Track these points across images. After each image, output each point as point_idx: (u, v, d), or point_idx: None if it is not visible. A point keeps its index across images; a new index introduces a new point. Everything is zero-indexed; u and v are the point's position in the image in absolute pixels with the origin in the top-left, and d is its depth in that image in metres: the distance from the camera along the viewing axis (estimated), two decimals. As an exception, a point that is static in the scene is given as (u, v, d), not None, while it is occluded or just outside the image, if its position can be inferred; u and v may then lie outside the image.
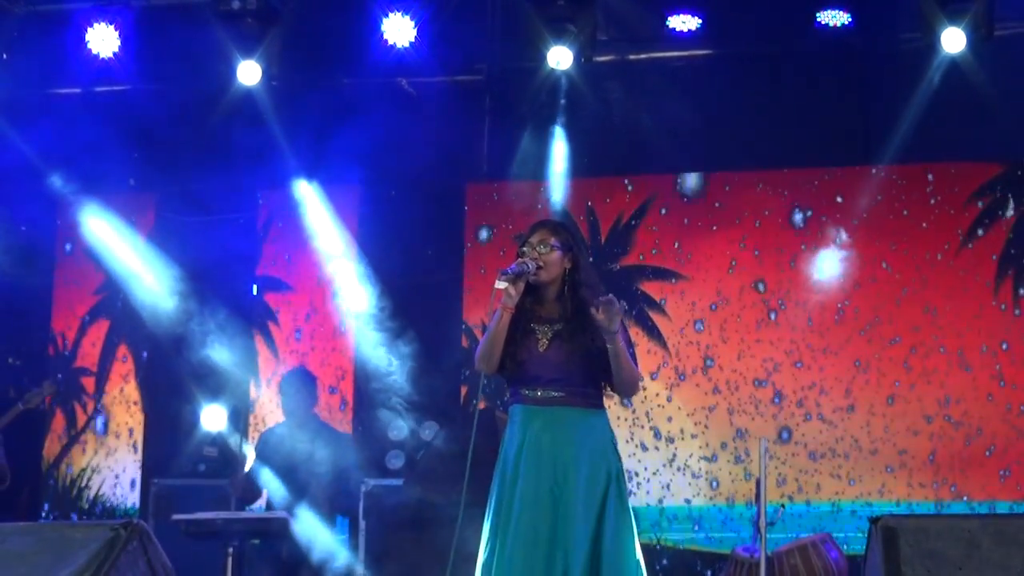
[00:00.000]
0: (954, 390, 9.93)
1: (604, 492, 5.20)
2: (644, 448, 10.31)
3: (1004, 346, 9.90)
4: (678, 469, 10.28)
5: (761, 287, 10.32)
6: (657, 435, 10.33)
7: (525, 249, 5.35)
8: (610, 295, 5.13)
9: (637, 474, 10.21)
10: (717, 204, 10.48)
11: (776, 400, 10.18)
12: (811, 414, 10.12)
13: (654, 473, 10.29)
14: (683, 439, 10.29)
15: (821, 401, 10.12)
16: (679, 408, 10.32)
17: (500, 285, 5.20)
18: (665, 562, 10.17)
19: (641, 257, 10.53)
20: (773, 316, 10.28)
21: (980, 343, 9.94)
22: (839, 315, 10.17)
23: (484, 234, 10.81)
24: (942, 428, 9.92)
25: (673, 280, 10.46)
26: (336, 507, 8.49)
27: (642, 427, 10.33)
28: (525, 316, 5.30)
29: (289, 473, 8.32)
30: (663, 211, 10.55)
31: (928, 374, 9.99)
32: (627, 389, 5.38)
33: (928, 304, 10.05)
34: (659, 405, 10.28)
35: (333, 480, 8.34)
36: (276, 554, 8.10)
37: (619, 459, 5.32)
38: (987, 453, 9.83)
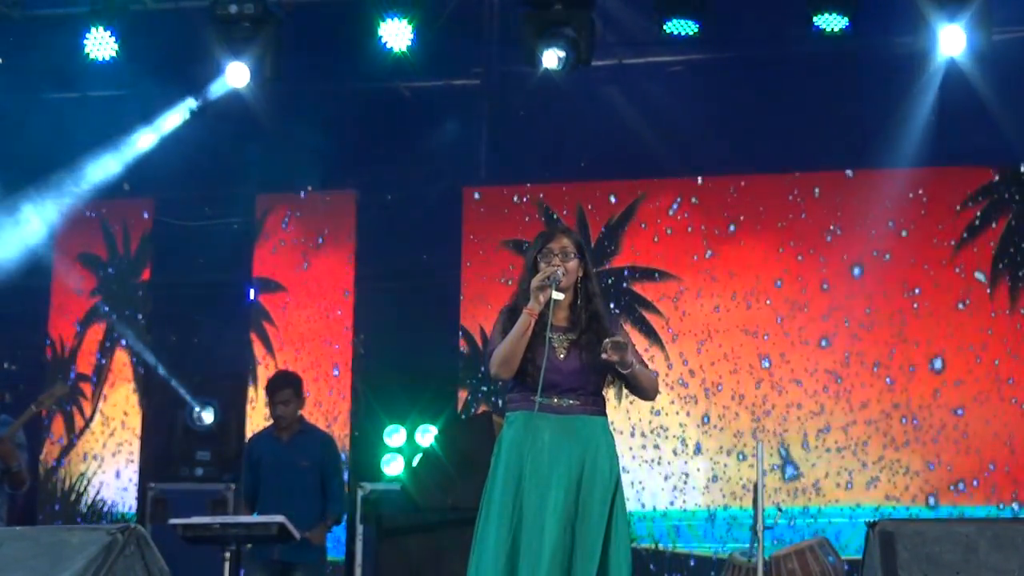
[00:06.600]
0: (947, 392, 9.93)
1: (612, 497, 5.25)
2: (640, 450, 10.30)
3: (1000, 348, 9.90)
4: (673, 471, 10.27)
5: (756, 289, 10.32)
6: (651, 436, 10.33)
7: (541, 254, 5.35)
8: (616, 338, 5.18)
9: (636, 476, 10.20)
10: (711, 207, 10.48)
11: (770, 402, 10.17)
12: (805, 415, 10.11)
13: (648, 476, 10.29)
14: (678, 441, 10.29)
15: (816, 402, 10.12)
16: (673, 409, 10.31)
17: (558, 296, 5.23)
18: (663, 566, 10.17)
19: (635, 256, 10.55)
20: (767, 318, 10.28)
21: (976, 345, 9.93)
22: (832, 316, 10.17)
23: (481, 238, 10.80)
24: (938, 430, 9.92)
25: (664, 280, 10.46)
26: (325, 508, 8.46)
27: (636, 429, 10.32)
28: (538, 323, 5.31)
29: (276, 477, 8.30)
30: (656, 212, 10.55)
31: (921, 376, 9.99)
32: (651, 396, 5.51)
33: (924, 307, 10.05)
34: (653, 406, 10.23)
35: (321, 482, 8.32)
36: (269, 557, 8.08)
37: (619, 464, 5.36)
38: (982, 455, 9.84)
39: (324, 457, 8.37)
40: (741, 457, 10.14)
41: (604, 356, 5.17)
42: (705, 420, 10.26)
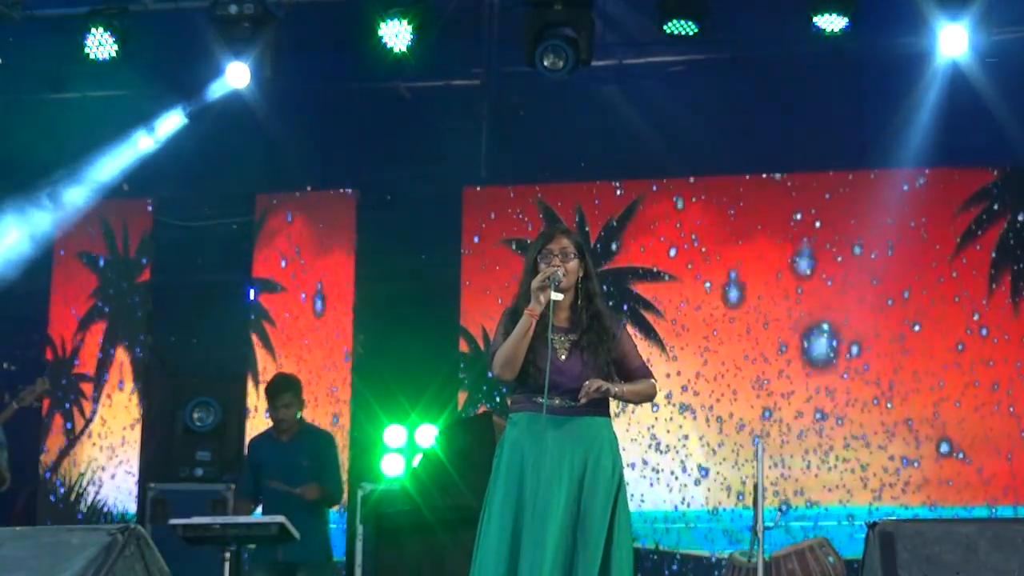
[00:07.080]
0: (947, 397, 9.92)
1: (615, 497, 5.27)
2: (641, 464, 10.29)
3: (1000, 360, 9.88)
4: (673, 481, 10.26)
5: (755, 290, 10.31)
6: (651, 449, 10.32)
7: (541, 255, 5.35)
8: (598, 383, 5.21)
9: (636, 488, 10.20)
10: (711, 208, 10.47)
11: (769, 402, 10.16)
12: (804, 418, 10.10)
13: (648, 488, 10.28)
14: (678, 441, 10.28)
15: (813, 405, 10.11)
16: (674, 409, 10.30)
17: (557, 297, 5.24)
18: (663, 567, 10.16)
19: (631, 260, 10.55)
20: (766, 320, 10.27)
21: (974, 349, 9.92)
22: (830, 319, 10.16)
23: (481, 238, 10.80)
24: (938, 445, 9.91)
25: (663, 281, 10.45)
26: (326, 506, 8.46)
27: (636, 429, 10.32)
28: (539, 324, 5.31)
29: (278, 477, 8.30)
30: (655, 213, 10.55)
31: (920, 381, 9.98)
32: (649, 401, 5.64)
33: (921, 309, 10.04)
34: (653, 406, 10.22)
35: (321, 481, 8.32)
36: (273, 558, 8.09)
37: (622, 464, 5.37)
38: (983, 472, 9.82)
39: (322, 453, 8.39)
40: (741, 456, 10.12)
41: (583, 401, 5.21)
42: (704, 418, 10.25)
